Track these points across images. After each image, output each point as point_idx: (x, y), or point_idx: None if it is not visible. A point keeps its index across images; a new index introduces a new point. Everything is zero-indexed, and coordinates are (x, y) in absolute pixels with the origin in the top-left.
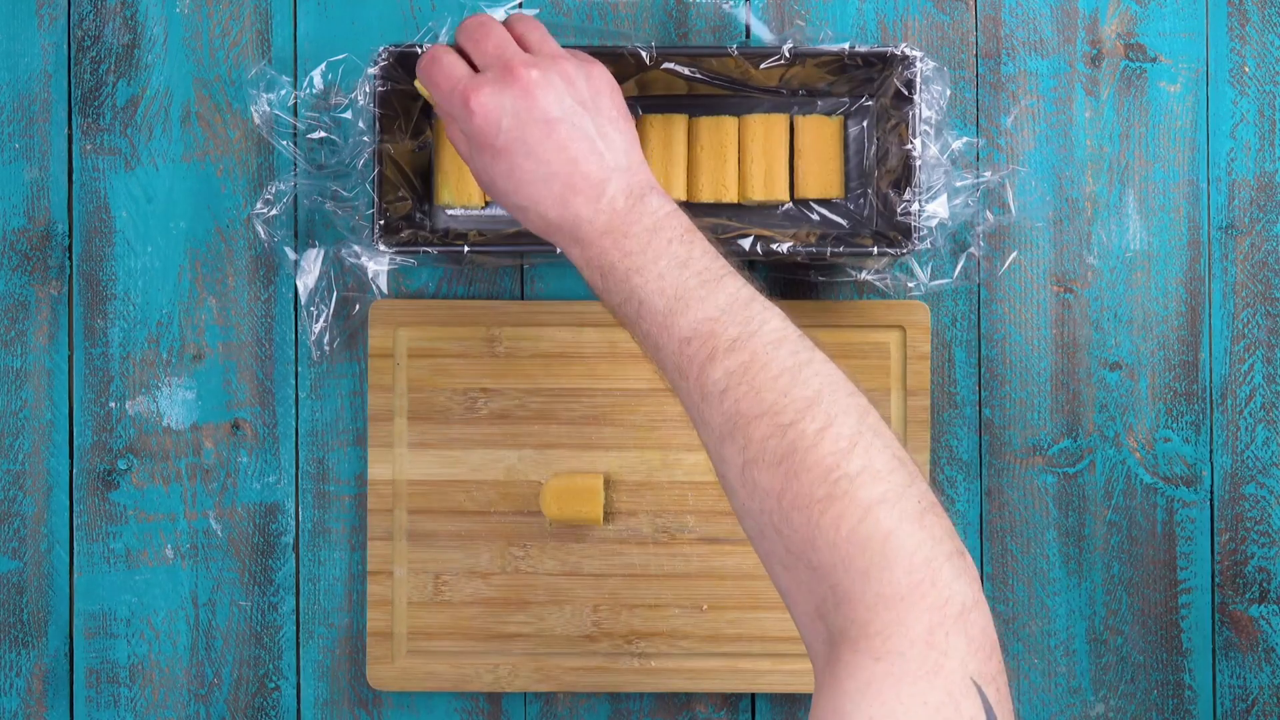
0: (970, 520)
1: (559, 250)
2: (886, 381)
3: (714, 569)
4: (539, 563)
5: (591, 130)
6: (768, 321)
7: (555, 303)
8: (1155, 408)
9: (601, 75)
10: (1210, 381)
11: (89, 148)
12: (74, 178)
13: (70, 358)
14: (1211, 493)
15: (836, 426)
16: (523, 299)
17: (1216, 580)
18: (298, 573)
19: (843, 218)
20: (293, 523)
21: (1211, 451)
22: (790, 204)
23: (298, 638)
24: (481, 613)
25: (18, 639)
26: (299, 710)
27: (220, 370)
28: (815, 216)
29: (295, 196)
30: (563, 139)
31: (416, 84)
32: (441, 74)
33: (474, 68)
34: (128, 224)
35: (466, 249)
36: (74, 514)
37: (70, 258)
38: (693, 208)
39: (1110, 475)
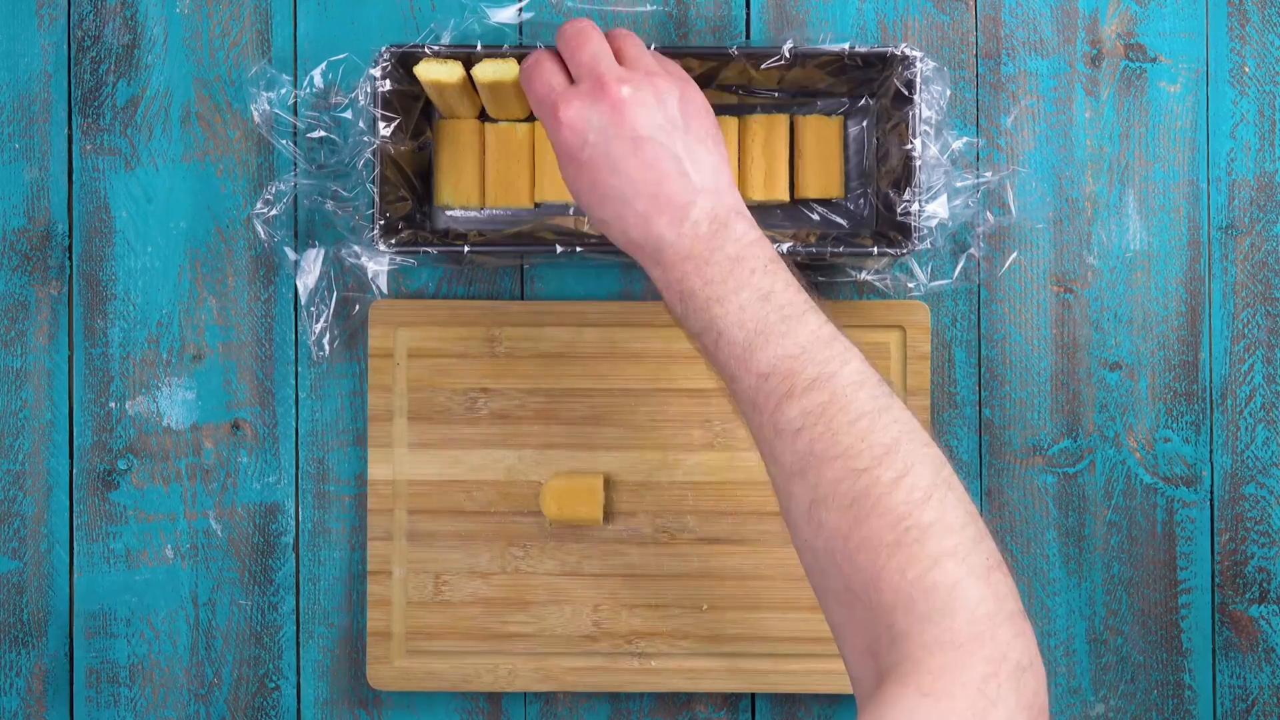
0: None
1: (625, 254)
2: None
3: (714, 569)
4: (539, 563)
5: (680, 150)
6: (848, 363)
7: (555, 303)
8: (1155, 408)
9: (694, 95)
10: (1210, 381)
11: (89, 148)
12: (74, 178)
13: (70, 358)
14: (1211, 493)
15: (913, 476)
16: (523, 299)
17: (1216, 580)
18: (298, 573)
19: (843, 218)
20: (293, 523)
21: (1211, 451)
22: (790, 204)
23: (298, 638)
24: (481, 613)
25: (18, 639)
26: (299, 710)
27: (220, 370)
28: (815, 216)
29: (295, 196)
30: (649, 157)
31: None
32: (538, 79)
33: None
34: (128, 224)
35: (466, 249)
36: (74, 514)
37: (70, 258)
38: None
39: (1110, 475)
